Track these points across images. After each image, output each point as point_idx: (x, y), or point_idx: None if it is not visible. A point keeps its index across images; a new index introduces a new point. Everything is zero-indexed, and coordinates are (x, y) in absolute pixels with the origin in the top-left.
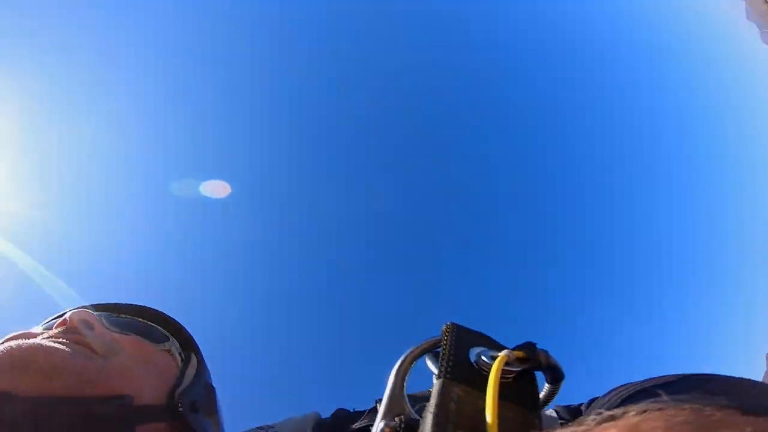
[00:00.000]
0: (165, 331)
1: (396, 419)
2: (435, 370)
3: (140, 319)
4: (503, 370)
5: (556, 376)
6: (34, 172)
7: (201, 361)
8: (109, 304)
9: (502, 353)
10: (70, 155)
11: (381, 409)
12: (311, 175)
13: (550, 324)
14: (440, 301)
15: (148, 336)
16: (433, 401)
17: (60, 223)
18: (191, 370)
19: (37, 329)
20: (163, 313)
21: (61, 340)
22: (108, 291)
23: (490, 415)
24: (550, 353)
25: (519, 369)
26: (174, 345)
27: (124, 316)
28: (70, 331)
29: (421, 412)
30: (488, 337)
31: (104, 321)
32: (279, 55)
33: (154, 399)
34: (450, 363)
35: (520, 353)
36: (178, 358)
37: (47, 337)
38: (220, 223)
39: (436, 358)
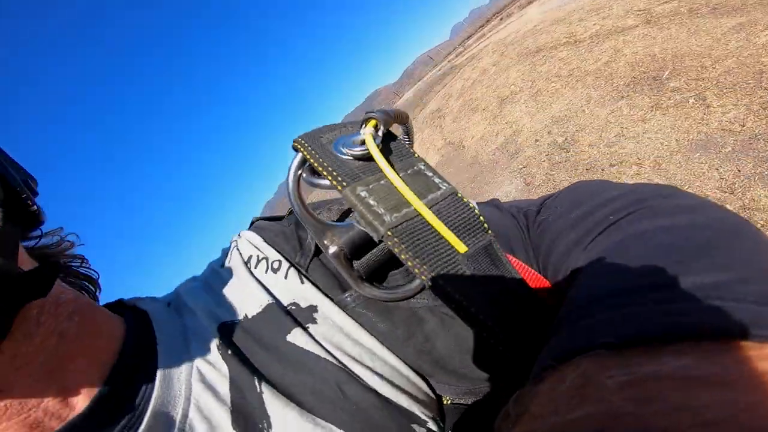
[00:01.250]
0: None
1: (335, 245)
2: (326, 182)
3: None
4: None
5: (403, 121)
6: None
7: None
8: None
9: (366, 136)
10: None
11: (314, 236)
12: None
13: None
14: None
15: None
16: (357, 210)
17: None
18: None
19: None
20: None
21: None
22: None
23: (397, 183)
24: (389, 111)
25: (381, 136)
26: None
27: None
28: None
29: (340, 217)
30: (329, 127)
31: None
32: None
33: None
34: (334, 171)
35: (373, 124)
36: None
37: None
38: None
39: (311, 172)
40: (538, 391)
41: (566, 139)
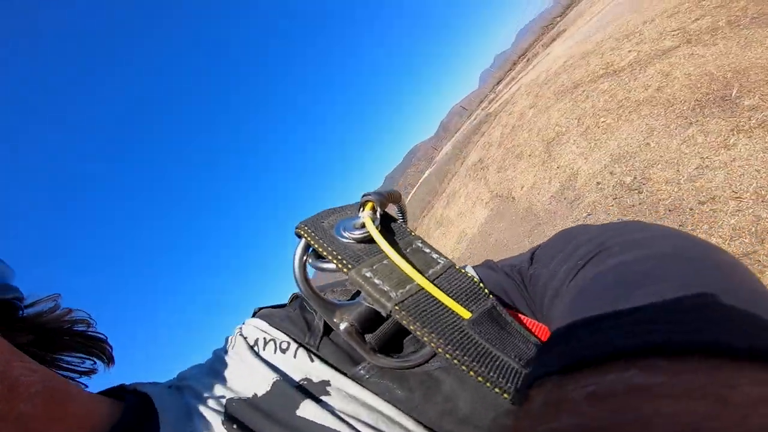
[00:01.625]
0: None
1: (346, 322)
2: (331, 266)
3: None
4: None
5: (397, 200)
6: None
7: None
8: None
9: (365, 220)
10: None
11: (324, 316)
12: None
13: None
14: None
15: None
16: (364, 289)
17: None
18: None
19: None
20: None
21: None
22: None
23: (399, 263)
24: (378, 191)
25: (379, 218)
26: None
27: None
28: None
29: (350, 299)
30: (329, 211)
31: None
32: None
33: None
34: (339, 255)
35: (371, 206)
36: None
37: None
38: None
39: (315, 256)
40: (516, 413)
41: (635, 178)
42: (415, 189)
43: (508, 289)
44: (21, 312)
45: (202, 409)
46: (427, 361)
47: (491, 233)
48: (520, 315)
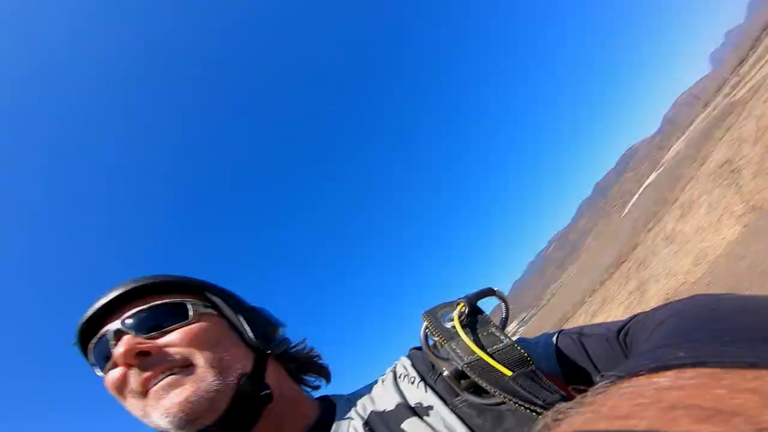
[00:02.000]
0: (180, 299)
1: (448, 371)
2: (437, 338)
3: (156, 304)
4: (460, 320)
5: (491, 294)
6: None
7: (226, 296)
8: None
9: (454, 317)
10: None
11: (436, 365)
12: None
13: None
14: None
15: (176, 316)
16: (450, 355)
17: None
18: (235, 318)
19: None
20: (159, 280)
21: (158, 376)
22: None
23: (470, 346)
24: (471, 293)
25: (466, 315)
26: (198, 306)
27: (140, 311)
28: (144, 366)
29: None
30: (442, 305)
31: (135, 333)
32: None
33: (244, 363)
34: (440, 334)
35: (461, 307)
36: (214, 313)
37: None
38: None
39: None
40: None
41: None
42: (635, 197)
43: (577, 358)
44: (289, 350)
45: (355, 415)
46: (499, 404)
47: (744, 255)
48: (555, 380)
